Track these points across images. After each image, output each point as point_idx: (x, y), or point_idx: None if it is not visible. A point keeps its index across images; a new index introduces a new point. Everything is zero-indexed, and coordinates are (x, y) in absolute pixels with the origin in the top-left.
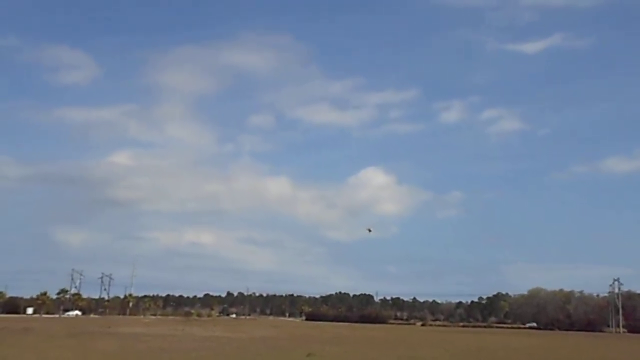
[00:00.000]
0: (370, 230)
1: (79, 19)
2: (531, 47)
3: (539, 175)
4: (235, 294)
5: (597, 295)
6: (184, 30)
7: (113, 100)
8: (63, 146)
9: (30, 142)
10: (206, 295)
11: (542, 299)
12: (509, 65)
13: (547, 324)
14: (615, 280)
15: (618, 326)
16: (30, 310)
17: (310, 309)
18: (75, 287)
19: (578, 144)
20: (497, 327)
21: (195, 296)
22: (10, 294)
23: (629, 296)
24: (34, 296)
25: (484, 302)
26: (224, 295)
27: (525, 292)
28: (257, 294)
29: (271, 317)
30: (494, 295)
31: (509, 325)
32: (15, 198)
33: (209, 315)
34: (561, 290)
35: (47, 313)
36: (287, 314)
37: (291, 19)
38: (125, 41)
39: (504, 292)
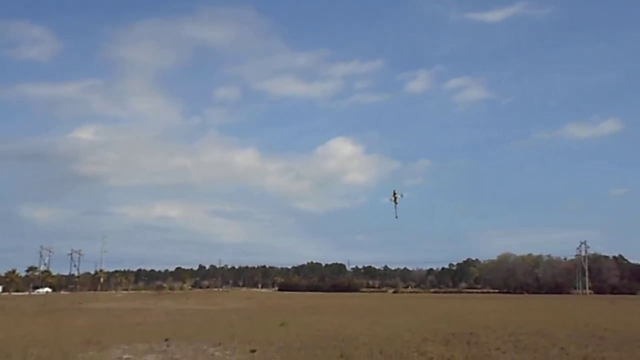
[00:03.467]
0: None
1: None
2: (493, 16)
3: (504, 143)
4: (207, 266)
5: (565, 259)
6: (145, 4)
7: (76, 75)
8: (27, 122)
9: None
10: (178, 268)
11: (511, 264)
12: (472, 35)
13: (517, 288)
14: (582, 243)
15: (585, 288)
16: None
17: (282, 280)
18: (45, 264)
19: (540, 112)
20: (467, 292)
21: (167, 270)
22: None
23: (595, 259)
24: (3, 274)
25: (454, 268)
26: (195, 268)
27: (495, 258)
28: (229, 266)
29: (244, 289)
30: (464, 262)
31: (479, 290)
32: None
33: (181, 289)
34: (530, 254)
35: (17, 291)
36: (259, 285)
37: None
38: (87, 16)
39: (473, 258)
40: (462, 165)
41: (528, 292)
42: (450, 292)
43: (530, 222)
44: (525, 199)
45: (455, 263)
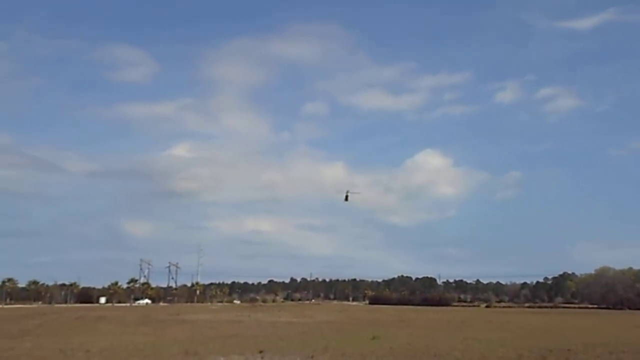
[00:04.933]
0: (347, 197)
1: (136, 18)
2: (583, 23)
3: (600, 152)
4: (299, 279)
5: None
6: (235, 24)
7: (171, 94)
8: (125, 140)
9: (94, 138)
10: (270, 281)
11: (610, 278)
12: (562, 43)
13: (616, 303)
14: None
15: None
16: (102, 300)
17: (373, 293)
18: (144, 277)
19: (636, 118)
20: (563, 307)
21: (259, 283)
22: (83, 284)
23: None
24: (106, 286)
25: (549, 282)
26: (287, 281)
27: (592, 272)
28: (320, 279)
29: (335, 302)
30: (560, 275)
31: (577, 305)
32: (83, 192)
33: (273, 301)
34: (630, 268)
35: (119, 302)
36: (350, 299)
37: (337, 8)
38: (180, 37)
39: (570, 272)
40: (555, 175)
41: (629, 308)
42: (546, 307)
43: (629, 234)
44: (624, 209)
45: (550, 277)
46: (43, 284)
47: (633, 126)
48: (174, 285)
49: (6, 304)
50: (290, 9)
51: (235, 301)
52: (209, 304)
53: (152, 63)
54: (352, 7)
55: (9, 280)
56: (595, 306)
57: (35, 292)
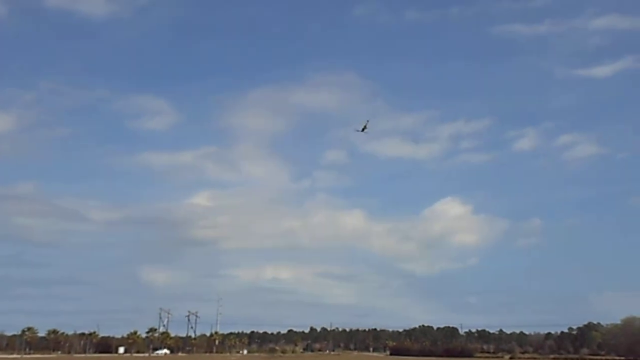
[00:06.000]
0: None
1: (159, 69)
2: (601, 71)
3: (622, 199)
4: (318, 329)
5: None
6: (255, 75)
7: (192, 143)
8: (147, 189)
9: (117, 186)
10: (290, 331)
11: (637, 328)
12: (581, 90)
13: None
14: None
15: None
16: (121, 350)
17: (394, 344)
18: (164, 326)
19: None
20: (590, 359)
21: (279, 332)
22: (102, 333)
23: None
24: (125, 335)
25: (574, 332)
26: (307, 330)
27: (619, 322)
28: (340, 329)
29: (355, 353)
30: (585, 326)
31: (603, 357)
32: (103, 240)
33: (293, 352)
34: None
35: (138, 352)
36: (371, 349)
37: (355, 58)
38: (202, 87)
39: (595, 322)
40: (577, 223)
41: None
42: (572, 359)
43: None
44: None
45: (575, 327)
46: (62, 333)
47: None
48: (193, 335)
49: (26, 354)
50: (309, 60)
51: (243, 351)
52: (228, 354)
53: (174, 113)
54: (370, 58)
55: (29, 329)
56: (622, 358)
57: (54, 342)
